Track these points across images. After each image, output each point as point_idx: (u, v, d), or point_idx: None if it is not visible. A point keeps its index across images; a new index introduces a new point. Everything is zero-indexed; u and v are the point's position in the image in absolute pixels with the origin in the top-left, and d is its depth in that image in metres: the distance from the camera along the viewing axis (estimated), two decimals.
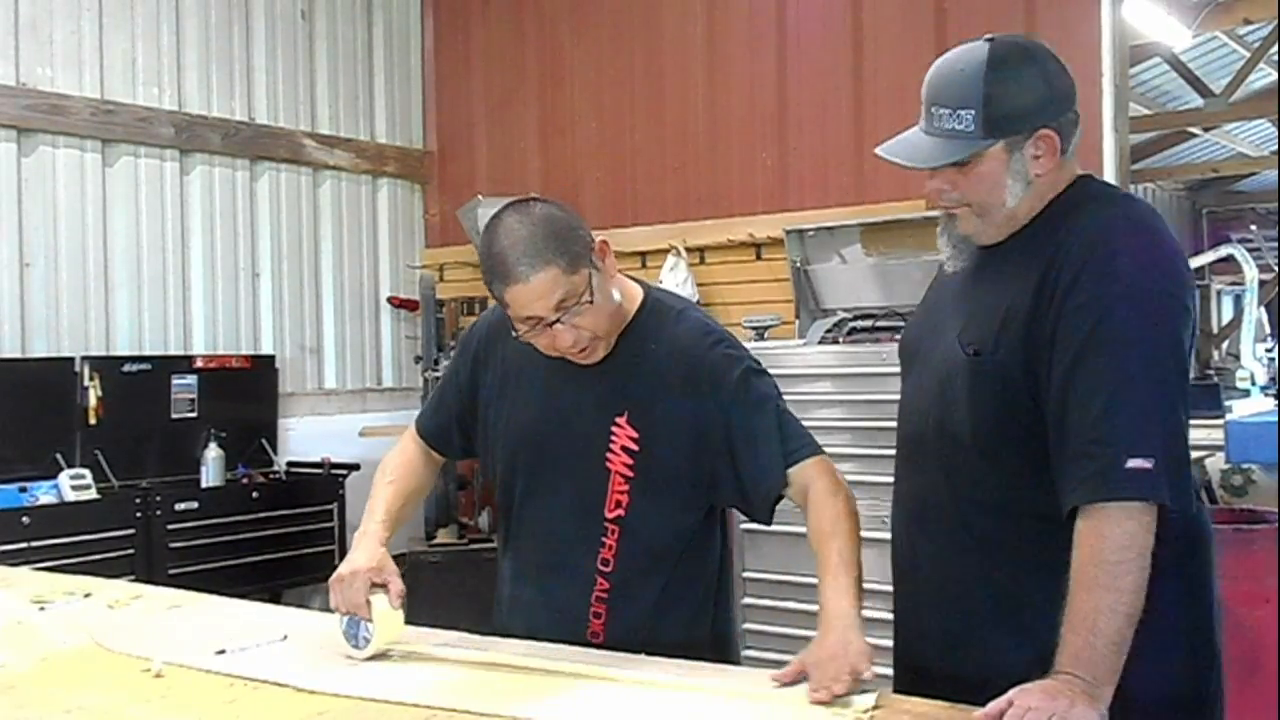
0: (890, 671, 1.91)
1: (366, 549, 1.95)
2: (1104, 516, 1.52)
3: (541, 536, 2.03)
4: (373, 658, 1.88)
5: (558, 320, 1.83)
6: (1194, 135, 11.54)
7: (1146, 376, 1.56)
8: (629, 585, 1.96)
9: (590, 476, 1.95)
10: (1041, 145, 1.68)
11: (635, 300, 2.00)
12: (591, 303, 1.84)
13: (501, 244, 1.82)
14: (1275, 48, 9.16)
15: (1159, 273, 1.62)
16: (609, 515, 1.94)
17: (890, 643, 1.93)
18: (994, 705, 1.46)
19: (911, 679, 1.78)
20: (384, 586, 1.90)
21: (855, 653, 1.62)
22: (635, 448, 1.93)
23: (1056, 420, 1.60)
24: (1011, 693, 1.46)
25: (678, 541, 1.98)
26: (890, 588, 1.94)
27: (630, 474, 1.93)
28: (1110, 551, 1.50)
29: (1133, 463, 1.51)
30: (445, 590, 4.51)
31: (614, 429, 1.93)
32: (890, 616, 1.94)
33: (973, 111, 1.66)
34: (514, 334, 1.89)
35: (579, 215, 1.91)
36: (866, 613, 1.73)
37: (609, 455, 1.94)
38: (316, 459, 5.19)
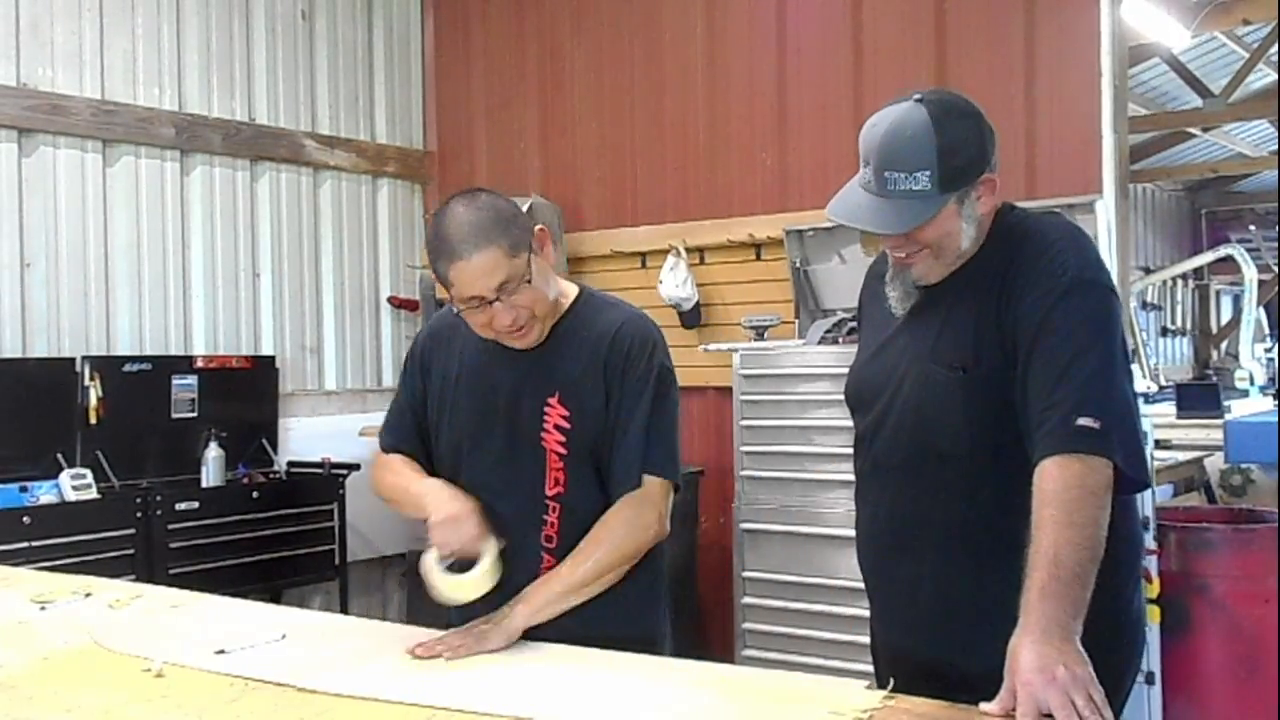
0: (871, 668, 2.03)
1: (449, 493, 2.03)
2: (1055, 464, 1.62)
3: (488, 520, 2.07)
4: (366, 663, 1.88)
5: (497, 299, 1.94)
6: (1193, 135, 11.55)
7: (1094, 350, 1.70)
8: None
9: (528, 456, 2.05)
10: (983, 188, 1.82)
11: (569, 295, 2.13)
12: (530, 283, 1.96)
13: (447, 227, 1.95)
14: (1274, 48, 9.17)
15: (1097, 266, 1.81)
16: (549, 493, 2.05)
17: (868, 639, 2.05)
18: (999, 704, 1.47)
19: (896, 675, 1.80)
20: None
21: (484, 640, 1.87)
22: (567, 425, 2.04)
23: (1020, 397, 1.72)
24: (1016, 688, 1.47)
25: None
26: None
27: (564, 450, 2.04)
28: (1061, 491, 1.60)
29: (1081, 421, 1.63)
30: None
31: (546, 409, 2.05)
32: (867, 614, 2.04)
33: (928, 172, 1.76)
34: (456, 311, 2.01)
35: (519, 207, 2.04)
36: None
37: (544, 434, 2.04)
38: (317, 459, 5.19)
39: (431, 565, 1.98)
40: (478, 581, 1.95)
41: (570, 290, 2.14)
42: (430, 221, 2.01)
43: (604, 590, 2.01)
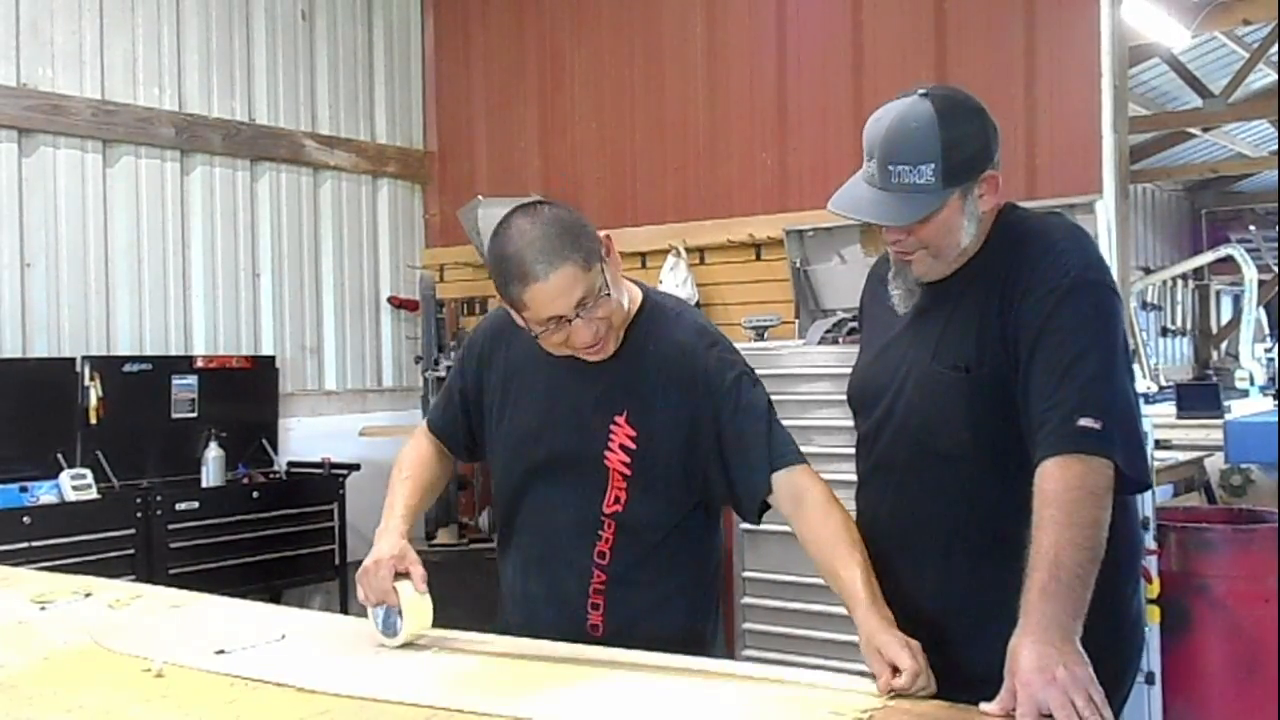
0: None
1: (387, 541, 1.98)
2: (1056, 464, 1.62)
3: (541, 531, 2.07)
4: (366, 663, 1.89)
5: (577, 316, 1.86)
6: (1193, 136, 11.55)
7: (1096, 351, 1.70)
8: (625, 578, 1.99)
9: (590, 473, 1.98)
10: (986, 185, 1.81)
11: (635, 301, 2.04)
12: (608, 295, 1.88)
13: (516, 245, 1.84)
14: (1274, 48, 9.17)
15: (1099, 267, 1.80)
16: (607, 511, 1.98)
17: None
18: (999, 705, 1.48)
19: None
20: (407, 574, 1.94)
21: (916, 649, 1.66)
22: (633, 446, 1.96)
23: (1022, 397, 1.72)
24: (1016, 689, 1.48)
25: (672, 536, 2.01)
26: None
27: (628, 472, 1.97)
28: (1062, 491, 1.60)
29: (1083, 421, 1.63)
30: (445, 590, 4.49)
31: (613, 427, 1.97)
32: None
33: (933, 165, 1.75)
34: (531, 334, 1.92)
35: (581, 214, 1.95)
36: (846, 610, 1.78)
37: (607, 454, 1.97)
38: (317, 459, 5.20)
39: (369, 614, 1.97)
40: (398, 637, 1.93)
41: (635, 294, 2.04)
42: (491, 241, 1.90)
43: (654, 591, 2.00)
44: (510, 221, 1.88)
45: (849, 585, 1.77)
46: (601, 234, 1.93)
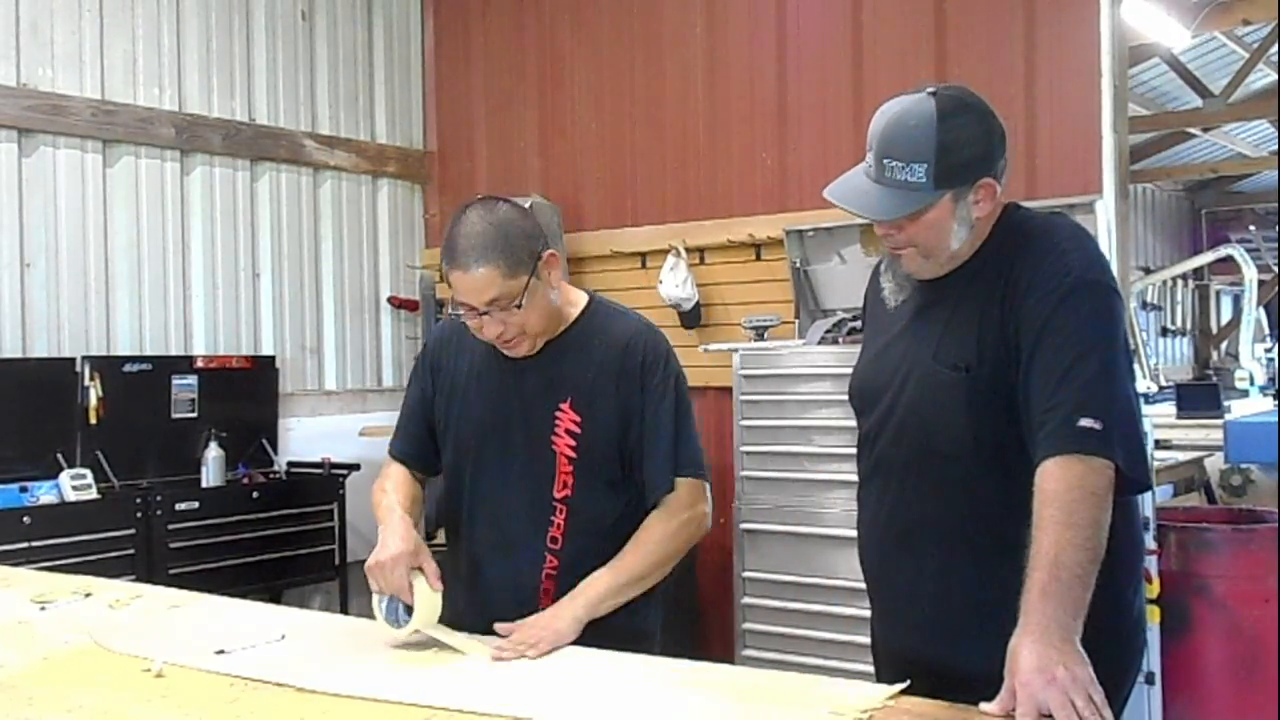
0: (872, 668, 2.04)
1: (399, 533, 2.02)
2: (1056, 464, 1.63)
3: (495, 519, 2.16)
4: (366, 663, 1.89)
5: (487, 313, 2.00)
6: (1193, 136, 11.55)
7: (1097, 351, 1.70)
8: (576, 563, 2.07)
9: (538, 458, 2.11)
10: (982, 192, 1.81)
11: (579, 304, 2.18)
12: (520, 308, 2.01)
13: (458, 231, 2.01)
14: (1274, 48, 9.17)
15: (1101, 267, 1.81)
16: (557, 495, 2.10)
17: (868, 639, 2.07)
18: (999, 705, 1.48)
19: (897, 674, 1.80)
20: (420, 569, 1.98)
21: (557, 629, 1.92)
22: (578, 430, 2.09)
23: (1023, 397, 1.73)
24: (1016, 689, 1.47)
25: (620, 522, 2.11)
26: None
27: (573, 455, 2.09)
28: (1063, 492, 1.60)
29: (1083, 422, 1.63)
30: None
31: (558, 413, 2.10)
32: (867, 614, 2.06)
33: (925, 165, 1.76)
34: (454, 315, 2.08)
35: (537, 224, 2.09)
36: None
37: (554, 438, 2.10)
38: (317, 459, 5.19)
39: (375, 602, 2.01)
40: (408, 627, 1.96)
41: (579, 299, 2.20)
42: (450, 220, 2.09)
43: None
44: (468, 209, 2.04)
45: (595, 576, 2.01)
46: (546, 253, 2.05)
